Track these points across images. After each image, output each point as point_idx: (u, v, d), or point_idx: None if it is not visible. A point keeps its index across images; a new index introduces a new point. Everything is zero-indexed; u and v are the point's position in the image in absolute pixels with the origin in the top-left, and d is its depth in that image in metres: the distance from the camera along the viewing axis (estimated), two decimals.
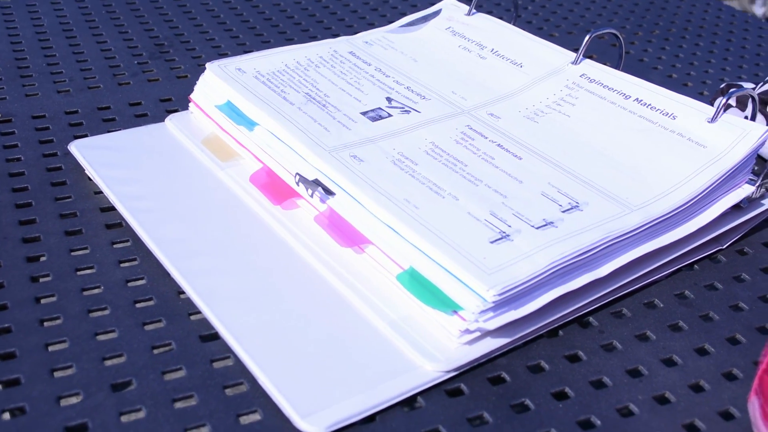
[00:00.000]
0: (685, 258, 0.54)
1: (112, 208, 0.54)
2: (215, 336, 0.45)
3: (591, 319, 0.49)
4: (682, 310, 0.50)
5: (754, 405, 0.41)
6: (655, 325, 0.49)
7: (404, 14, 0.87)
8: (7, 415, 0.40)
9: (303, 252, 0.50)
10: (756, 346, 0.48)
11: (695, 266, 0.54)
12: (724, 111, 0.56)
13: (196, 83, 0.63)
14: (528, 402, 0.43)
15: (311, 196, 0.52)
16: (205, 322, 0.46)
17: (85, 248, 0.51)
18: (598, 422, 0.42)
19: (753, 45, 0.91)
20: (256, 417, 0.41)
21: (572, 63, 0.64)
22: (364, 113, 0.58)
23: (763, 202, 0.57)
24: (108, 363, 0.43)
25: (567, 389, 0.44)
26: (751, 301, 0.52)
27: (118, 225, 0.53)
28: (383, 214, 0.48)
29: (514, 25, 0.70)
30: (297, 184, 0.53)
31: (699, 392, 0.45)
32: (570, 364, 0.46)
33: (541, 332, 0.47)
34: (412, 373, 0.43)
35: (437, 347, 0.44)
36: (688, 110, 0.57)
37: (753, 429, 0.41)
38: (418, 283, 0.46)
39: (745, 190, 0.54)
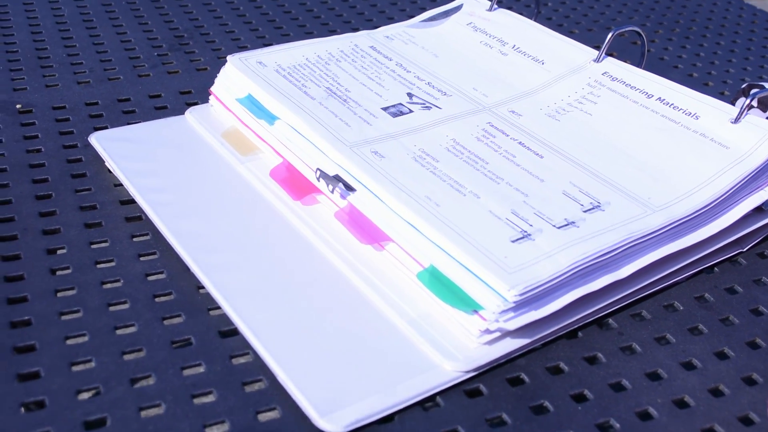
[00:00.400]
0: (706, 260, 0.53)
1: (132, 201, 0.54)
2: (234, 332, 0.45)
3: (610, 320, 0.49)
4: (701, 313, 0.50)
5: None
6: (674, 327, 0.49)
7: (424, 9, 0.86)
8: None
9: (323, 248, 0.50)
10: None
11: (715, 269, 0.54)
12: (747, 111, 0.55)
13: (216, 76, 0.63)
14: (547, 404, 0.43)
15: (332, 191, 0.52)
16: (224, 318, 0.46)
17: (105, 241, 0.51)
18: (617, 425, 0.42)
19: None
20: (274, 414, 0.41)
21: (594, 61, 0.63)
22: (385, 108, 0.58)
23: None
24: (127, 357, 0.43)
25: (586, 391, 0.44)
26: None
27: (137, 218, 0.53)
28: (404, 211, 0.48)
29: (535, 21, 0.69)
30: (317, 179, 0.53)
31: (718, 396, 0.45)
32: (589, 366, 0.46)
33: (560, 333, 0.47)
34: (431, 373, 0.43)
35: (457, 347, 0.44)
36: (711, 110, 0.57)
37: None
38: (438, 282, 0.46)
39: None
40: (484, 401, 0.43)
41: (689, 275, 0.53)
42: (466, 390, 0.43)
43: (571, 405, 0.43)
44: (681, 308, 0.50)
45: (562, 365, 0.45)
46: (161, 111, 0.65)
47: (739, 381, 0.46)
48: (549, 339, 0.47)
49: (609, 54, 0.64)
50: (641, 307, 0.50)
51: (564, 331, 0.47)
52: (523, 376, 0.44)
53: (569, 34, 0.86)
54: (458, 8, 0.72)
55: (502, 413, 0.42)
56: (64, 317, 0.45)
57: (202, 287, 0.48)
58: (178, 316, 0.46)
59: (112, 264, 0.49)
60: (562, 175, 0.52)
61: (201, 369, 0.43)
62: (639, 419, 0.43)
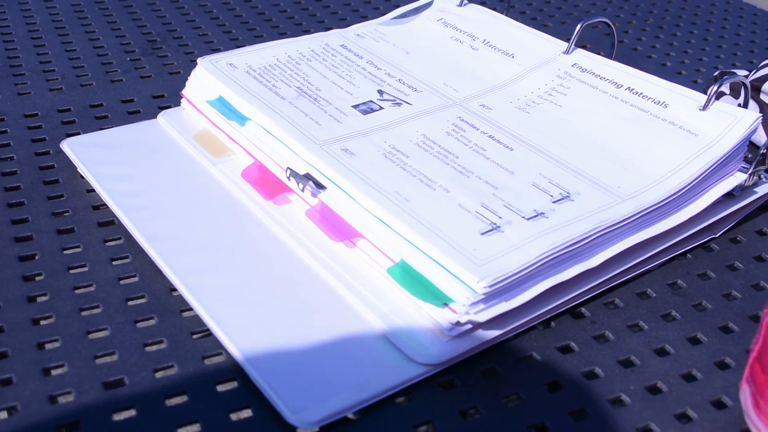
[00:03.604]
0: (678, 247, 0.54)
1: (105, 206, 0.54)
2: (207, 333, 0.45)
3: (583, 309, 0.49)
4: (674, 300, 0.50)
5: (745, 393, 0.41)
6: (647, 314, 0.49)
7: (396, 6, 0.87)
8: (4, 414, 0.40)
9: (295, 246, 0.50)
10: (748, 334, 0.48)
11: (688, 255, 0.54)
12: (717, 99, 0.56)
13: (188, 79, 0.63)
14: (521, 394, 0.43)
15: (302, 190, 0.52)
16: (197, 319, 0.46)
17: (78, 246, 0.51)
18: (591, 412, 0.42)
19: (747, 33, 0.91)
20: (248, 413, 0.41)
21: (564, 53, 0.63)
22: (355, 106, 0.58)
23: (755, 189, 0.56)
24: (100, 361, 0.43)
25: (559, 380, 0.44)
26: (743, 290, 0.52)
27: (110, 222, 0.53)
28: (374, 208, 0.48)
29: (506, 15, 0.70)
30: (288, 178, 0.53)
31: (691, 381, 0.45)
32: (562, 355, 0.46)
33: (532, 324, 0.47)
34: (403, 367, 0.43)
35: (429, 340, 0.44)
36: (680, 98, 0.57)
37: (745, 417, 0.41)
38: (409, 276, 0.46)
39: (738, 178, 0.54)
40: (457, 393, 0.43)
41: (662, 262, 0.53)
42: (440, 383, 0.43)
43: (544, 394, 0.43)
44: (653, 295, 0.51)
45: (534, 355, 0.46)
46: (134, 116, 0.65)
47: (712, 365, 0.46)
48: (522, 330, 0.47)
49: (582, 46, 0.64)
50: (614, 296, 0.50)
51: (537, 322, 0.47)
52: (496, 367, 0.45)
53: (542, 27, 0.86)
54: (429, 4, 0.72)
55: (476, 405, 0.42)
56: (37, 324, 0.45)
57: (175, 289, 0.48)
58: (151, 318, 0.46)
59: (85, 269, 0.49)
60: (531, 167, 0.52)
61: (174, 371, 0.43)
62: (612, 406, 0.43)
